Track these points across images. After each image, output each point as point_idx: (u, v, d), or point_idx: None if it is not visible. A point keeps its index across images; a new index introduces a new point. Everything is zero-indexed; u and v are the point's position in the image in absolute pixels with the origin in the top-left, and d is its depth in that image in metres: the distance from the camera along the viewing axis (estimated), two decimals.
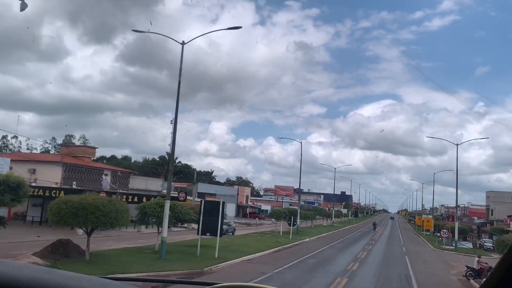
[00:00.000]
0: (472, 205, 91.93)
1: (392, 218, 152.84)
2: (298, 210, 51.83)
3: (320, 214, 69.17)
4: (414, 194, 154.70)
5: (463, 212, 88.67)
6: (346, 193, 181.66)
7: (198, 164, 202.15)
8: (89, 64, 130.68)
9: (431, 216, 65.93)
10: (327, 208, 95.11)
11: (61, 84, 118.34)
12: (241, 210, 71.29)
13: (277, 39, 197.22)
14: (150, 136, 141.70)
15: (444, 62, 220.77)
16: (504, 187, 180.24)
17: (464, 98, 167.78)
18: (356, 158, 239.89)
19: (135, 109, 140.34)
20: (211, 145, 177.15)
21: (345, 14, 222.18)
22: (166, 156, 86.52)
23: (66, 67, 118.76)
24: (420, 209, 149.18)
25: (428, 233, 58.43)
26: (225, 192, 67.92)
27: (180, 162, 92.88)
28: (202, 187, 60.51)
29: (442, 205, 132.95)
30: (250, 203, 75.53)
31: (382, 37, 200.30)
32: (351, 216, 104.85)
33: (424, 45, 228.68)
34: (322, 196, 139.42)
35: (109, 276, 1.61)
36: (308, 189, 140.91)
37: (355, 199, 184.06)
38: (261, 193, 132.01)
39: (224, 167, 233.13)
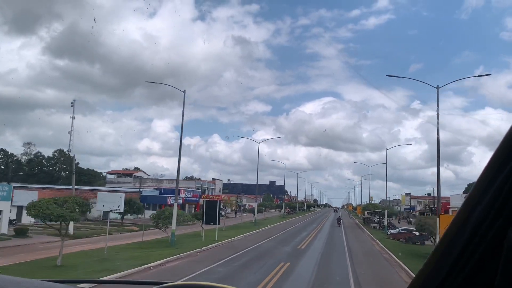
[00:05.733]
0: None
1: (335, 211, 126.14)
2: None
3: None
4: (355, 188, 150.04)
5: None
6: (277, 183, 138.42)
7: (141, 164, 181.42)
8: (14, 58, 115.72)
9: None
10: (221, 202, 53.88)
11: None
12: None
13: (217, 35, 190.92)
14: (87, 134, 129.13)
15: (381, 60, 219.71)
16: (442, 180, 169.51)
17: (400, 95, 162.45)
18: (300, 154, 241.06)
19: (68, 106, 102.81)
20: (154, 144, 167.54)
21: (284, 11, 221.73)
22: None
23: None
24: (367, 201, 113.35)
25: None
26: None
27: None
28: None
29: (408, 193, 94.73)
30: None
31: (321, 35, 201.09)
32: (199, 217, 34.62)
33: (362, 43, 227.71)
34: (220, 183, 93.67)
35: (51, 279, 1.40)
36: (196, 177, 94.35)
37: (294, 193, 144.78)
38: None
39: (168, 167, 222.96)
